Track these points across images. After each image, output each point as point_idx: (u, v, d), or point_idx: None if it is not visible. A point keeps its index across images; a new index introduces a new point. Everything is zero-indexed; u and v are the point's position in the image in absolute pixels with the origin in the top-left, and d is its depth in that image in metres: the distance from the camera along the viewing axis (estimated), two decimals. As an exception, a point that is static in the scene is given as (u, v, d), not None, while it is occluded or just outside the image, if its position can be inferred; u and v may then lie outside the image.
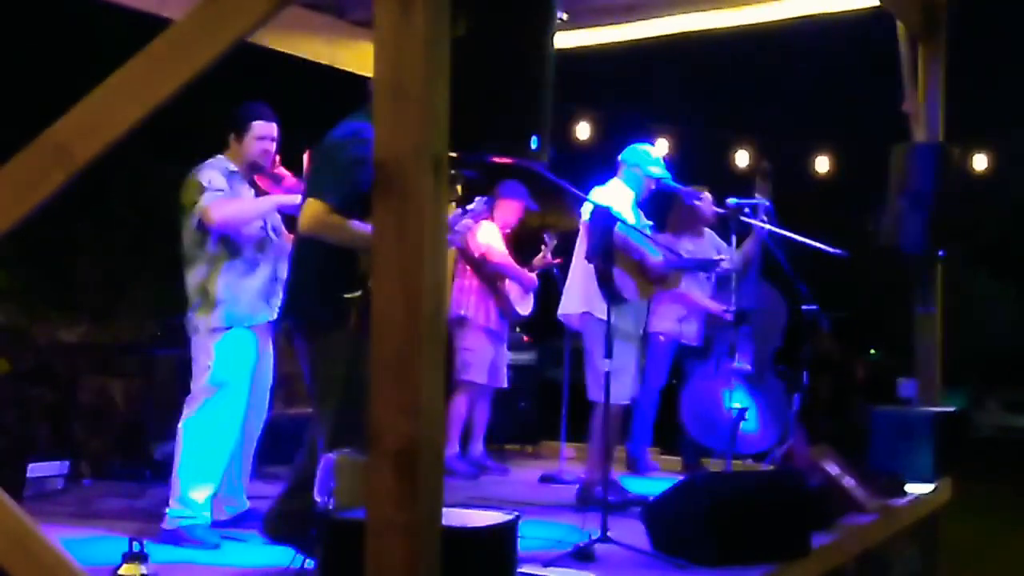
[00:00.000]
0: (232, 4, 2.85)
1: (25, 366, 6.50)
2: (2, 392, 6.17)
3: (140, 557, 3.22)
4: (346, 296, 3.55)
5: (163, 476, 5.83)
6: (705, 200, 6.40)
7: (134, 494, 5.35)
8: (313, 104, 7.62)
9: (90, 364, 6.78)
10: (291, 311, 3.88)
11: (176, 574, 3.86)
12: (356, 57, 6.44)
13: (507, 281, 6.64)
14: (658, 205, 6.35)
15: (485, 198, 4.72)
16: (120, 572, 3.19)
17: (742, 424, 5.72)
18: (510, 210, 6.73)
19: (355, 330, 3.52)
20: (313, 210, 3.67)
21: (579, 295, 5.32)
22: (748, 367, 5.79)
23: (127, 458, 6.20)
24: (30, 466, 5.35)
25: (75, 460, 5.78)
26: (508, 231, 6.78)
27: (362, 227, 3.56)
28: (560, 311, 5.54)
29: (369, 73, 2.63)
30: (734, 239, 5.78)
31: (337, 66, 6.41)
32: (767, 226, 5.76)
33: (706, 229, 6.61)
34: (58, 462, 5.57)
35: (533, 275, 6.75)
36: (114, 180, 8.58)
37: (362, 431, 3.52)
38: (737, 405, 5.69)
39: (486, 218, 6.39)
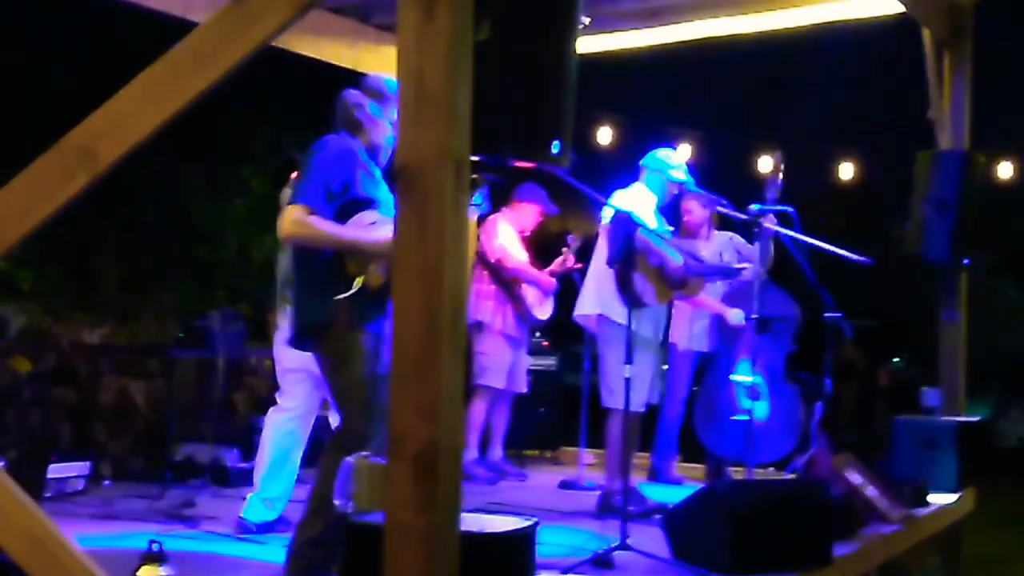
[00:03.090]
0: (257, 8, 2.86)
1: (47, 366, 6.54)
2: (24, 392, 6.22)
3: (160, 558, 3.21)
4: (336, 297, 3.63)
5: (183, 477, 5.88)
6: (695, 205, 6.43)
7: (155, 495, 5.37)
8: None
9: (112, 365, 6.82)
10: (295, 319, 3.94)
11: (198, 571, 3.88)
12: (380, 61, 6.44)
13: (524, 285, 6.63)
14: (677, 210, 6.34)
15: (482, 189, 4.66)
16: (139, 574, 3.19)
17: (755, 431, 5.67)
18: (527, 213, 6.72)
19: (345, 328, 3.64)
20: (290, 215, 3.72)
21: (595, 297, 5.31)
22: (758, 375, 5.74)
23: (148, 459, 6.24)
24: (51, 466, 5.38)
25: (96, 460, 5.81)
26: (526, 234, 6.77)
27: (341, 228, 3.68)
28: (576, 312, 5.53)
29: (393, 77, 2.63)
30: (759, 245, 5.75)
31: (361, 70, 6.42)
32: (790, 232, 5.73)
33: (719, 232, 6.60)
34: (79, 462, 5.60)
35: (552, 279, 6.73)
36: (139, 182, 8.63)
37: (364, 432, 3.57)
38: (744, 414, 5.67)
39: (490, 214, 6.40)
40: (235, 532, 4.61)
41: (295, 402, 4.76)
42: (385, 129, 3.94)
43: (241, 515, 4.67)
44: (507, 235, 6.63)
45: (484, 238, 6.62)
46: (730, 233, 6.52)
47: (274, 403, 4.91)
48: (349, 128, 3.93)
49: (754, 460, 5.42)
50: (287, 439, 4.73)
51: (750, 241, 5.97)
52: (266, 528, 4.60)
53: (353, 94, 3.99)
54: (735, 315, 6.32)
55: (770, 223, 5.52)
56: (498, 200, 6.62)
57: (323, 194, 3.71)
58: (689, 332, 6.63)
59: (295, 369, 4.66)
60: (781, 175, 5.55)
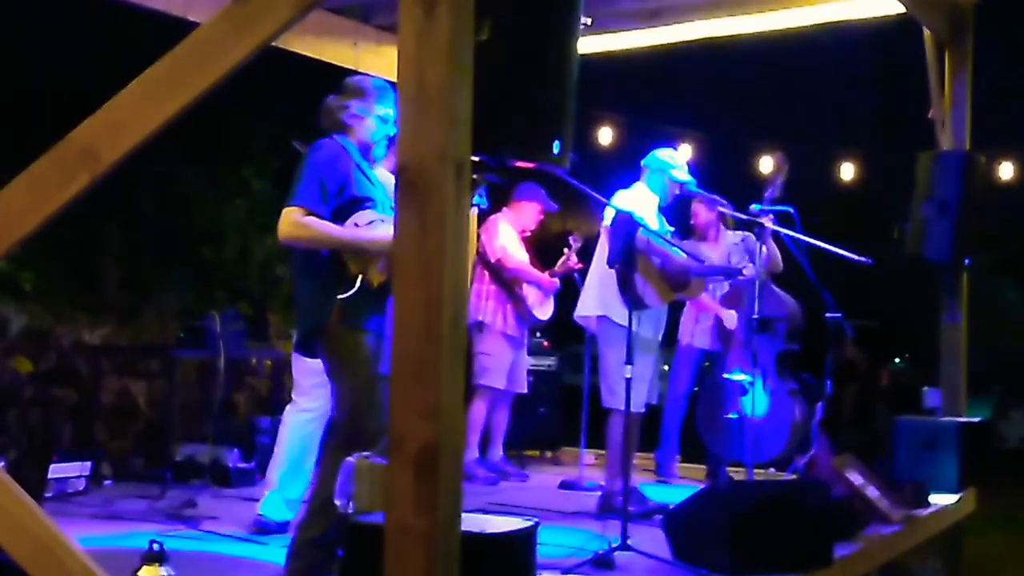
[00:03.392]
0: (258, 8, 2.86)
1: (48, 366, 6.55)
2: (25, 392, 6.22)
3: (160, 558, 3.21)
4: (339, 296, 3.64)
5: (184, 477, 5.89)
6: (701, 208, 6.50)
7: (155, 495, 5.38)
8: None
9: (113, 365, 6.82)
10: (300, 324, 3.94)
11: (199, 571, 3.88)
12: (380, 61, 6.45)
13: (525, 285, 6.63)
14: (681, 211, 6.36)
15: (481, 188, 4.65)
16: (139, 574, 3.19)
17: (748, 430, 5.67)
18: (528, 212, 6.72)
19: (347, 329, 3.64)
20: (288, 217, 3.71)
21: (596, 298, 5.31)
22: (748, 375, 5.75)
23: (149, 459, 6.24)
24: (52, 466, 5.38)
25: (97, 461, 5.81)
26: (527, 234, 6.78)
27: (338, 228, 3.68)
28: (577, 313, 5.53)
29: (394, 77, 2.63)
30: (759, 246, 5.75)
31: (362, 70, 6.43)
32: (790, 232, 5.73)
33: (731, 232, 6.66)
34: (80, 462, 5.60)
35: (553, 279, 6.73)
36: (140, 182, 8.62)
37: (369, 431, 3.57)
38: (735, 412, 5.67)
39: (490, 213, 6.42)
40: (252, 529, 4.60)
41: (317, 403, 4.73)
42: (371, 125, 3.96)
43: (260, 512, 4.65)
44: (507, 235, 6.63)
45: (485, 238, 6.63)
46: (744, 233, 6.54)
47: (281, 403, 4.91)
48: (338, 131, 3.95)
49: (748, 459, 5.42)
50: (307, 440, 4.71)
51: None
52: (284, 527, 4.58)
53: (334, 98, 4.00)
54: (728, 317, 6.37)
55: (770, 223, 5.53)
56: (498, 200, 6.62)
57: (319, 195, 3.70)
58: (693, 328, 6.70)
59: (318, 371, 4.66)
60: (783, 175, 5.56)
